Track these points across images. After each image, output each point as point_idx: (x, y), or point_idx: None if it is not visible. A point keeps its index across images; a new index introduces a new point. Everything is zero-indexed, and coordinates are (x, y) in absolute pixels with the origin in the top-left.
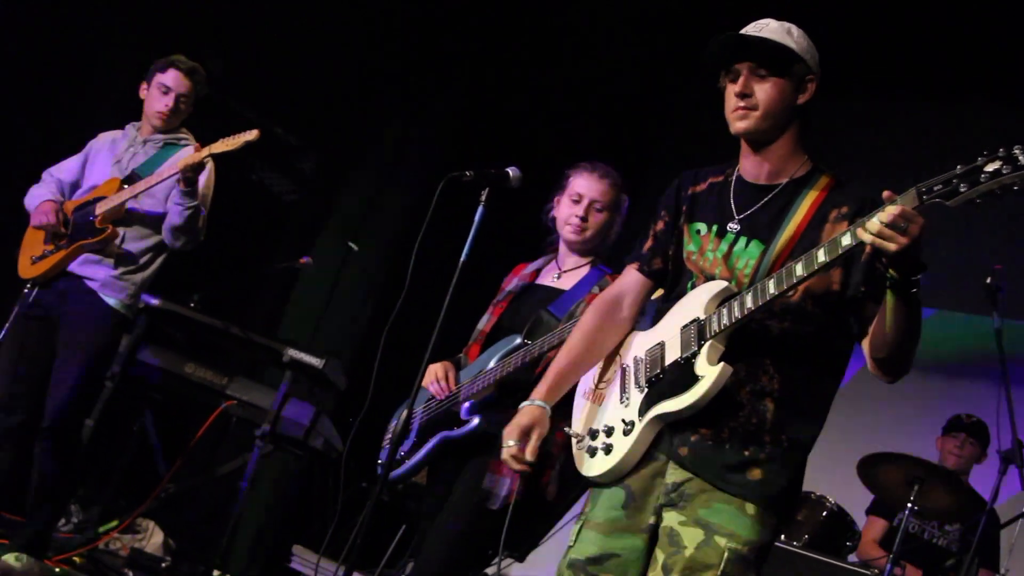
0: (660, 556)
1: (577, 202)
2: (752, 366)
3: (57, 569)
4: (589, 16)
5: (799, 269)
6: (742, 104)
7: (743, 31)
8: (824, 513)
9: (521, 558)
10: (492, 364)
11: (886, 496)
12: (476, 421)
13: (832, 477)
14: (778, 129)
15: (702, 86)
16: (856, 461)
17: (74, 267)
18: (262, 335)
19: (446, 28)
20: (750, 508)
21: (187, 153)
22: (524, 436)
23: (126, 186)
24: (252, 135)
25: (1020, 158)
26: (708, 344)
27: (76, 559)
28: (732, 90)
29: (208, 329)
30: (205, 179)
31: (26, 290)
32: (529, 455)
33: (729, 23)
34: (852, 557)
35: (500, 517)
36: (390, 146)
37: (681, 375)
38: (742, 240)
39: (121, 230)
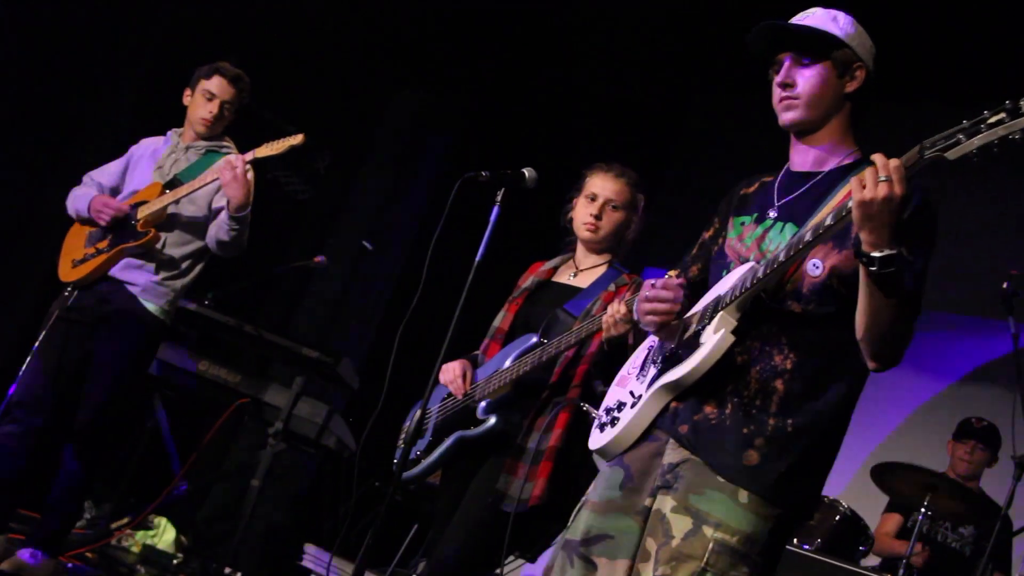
0: (652, 546)
1: (593, 201)
2: (767, 345)
3: (70, 565)
4: (610, 14)
5: (808, 235)
6: (785, 94)
7: (789, 21)
8: (837, 517)
9: (533, 559)
10: (508, 363)
11: (900, 500)
12: (492, 420)
13: (844, 481)
14: (824, 118)
15: (721, 85)
16: (869, 466)
17: (115, 271)
18: (276, 333)
19: (462, 27)
20: (743, 496)
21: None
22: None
23: (168, 191)
24: (297, 139)
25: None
26: (720, 315)
27: (88, 555)
28: (775, 81)
29: (222, 327)
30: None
31: (65, 293)
32: (673, 294)
33: (745, 22)
34: (865, 561)
35: (514, 518)
36: (404, 145)
37: (689, 346)
38: (778, 225)
39: (163, 234)
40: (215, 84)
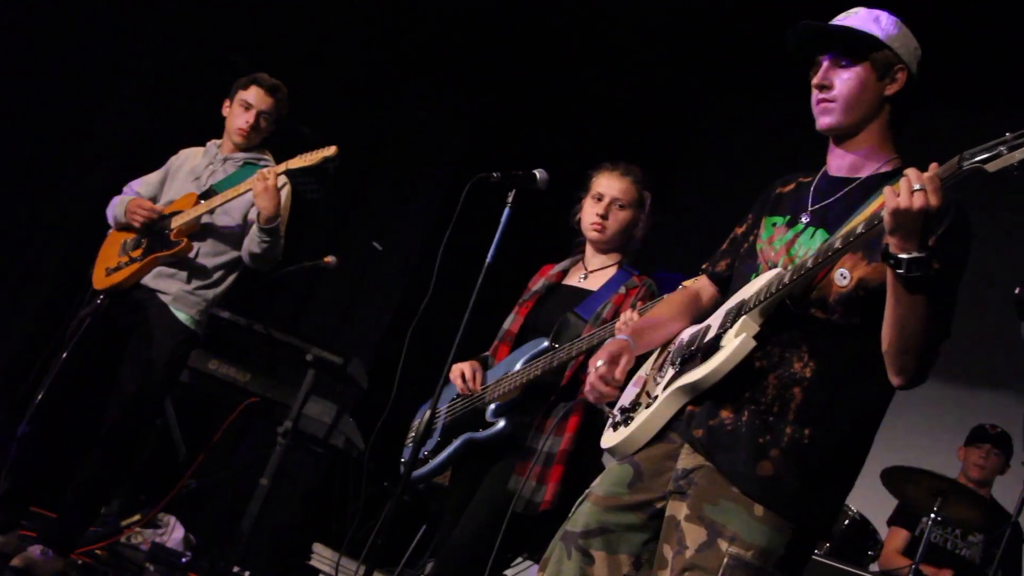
0: (668, 552)
1: (599, 200)
2: (787, 351)
3: (80, 562)
4: (623, 17)
5: (838, 243)
6: (822, 96)
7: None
8: (846, 521)
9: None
10: (519, 367)
11: (909, 506)
12: (502, 423)
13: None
14: (861, 121)
15: (734, 88)
16: (879, 470)
17: (147, 280)
18: (285, 333)
19: (474, 27)
20: (758, 510)
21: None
22: (613, 359)
23: (202, 201)
24: (330, 151)
25: None
26: (742, 319)
27: (98, 552)
28: (812, 82)
29: (232, 326)
30: (283, 198)
31: (98, 300)
32: (619, 374)
33: (756, 25)
34: (874, 567)
35: (523, 520)
36: (415, 145)
37: (709, 349)
38: (809, 230)
39: (196, 244)
40: (252, 94)
